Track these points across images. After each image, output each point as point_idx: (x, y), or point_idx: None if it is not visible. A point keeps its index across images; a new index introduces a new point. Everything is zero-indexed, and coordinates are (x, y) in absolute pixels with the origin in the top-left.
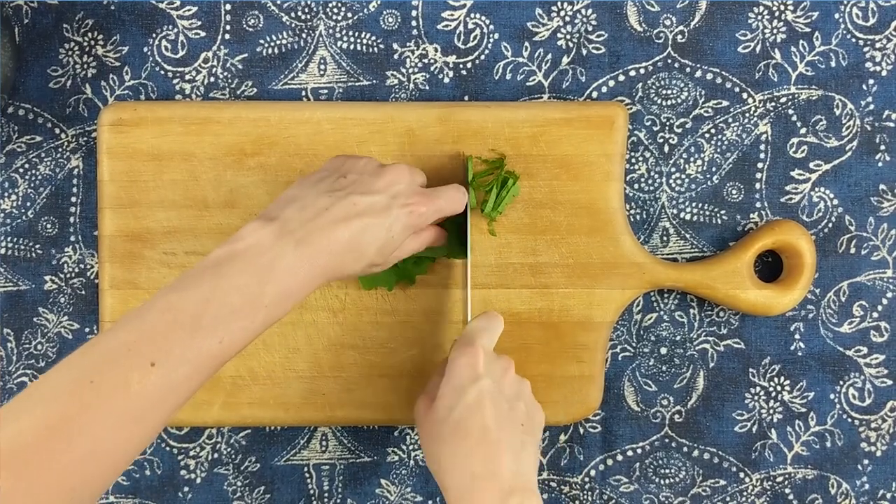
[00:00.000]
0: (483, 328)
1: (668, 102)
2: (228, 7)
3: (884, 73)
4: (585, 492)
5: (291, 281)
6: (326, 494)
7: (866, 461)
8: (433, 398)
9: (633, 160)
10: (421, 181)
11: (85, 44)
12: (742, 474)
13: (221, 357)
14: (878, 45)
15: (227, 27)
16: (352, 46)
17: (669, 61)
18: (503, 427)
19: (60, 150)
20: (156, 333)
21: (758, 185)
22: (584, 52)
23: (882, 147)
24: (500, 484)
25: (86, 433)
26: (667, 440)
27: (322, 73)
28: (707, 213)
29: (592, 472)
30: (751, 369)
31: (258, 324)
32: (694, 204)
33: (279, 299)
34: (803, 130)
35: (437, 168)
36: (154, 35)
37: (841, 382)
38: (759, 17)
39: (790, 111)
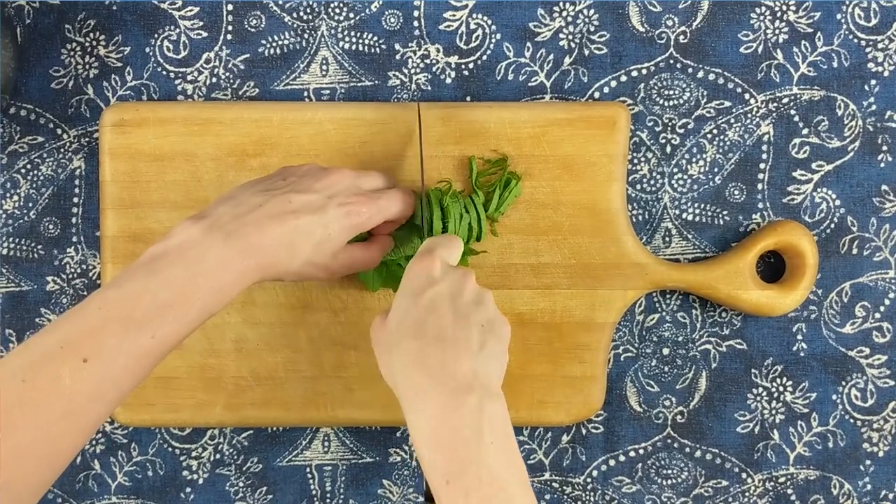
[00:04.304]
0: (441, 242)
1: (671, 103)
2: (230, 7)
3: (886, 73)
4: (588, 492)
5: (224, 275)
6: (329, 495)
7: (868, 462)
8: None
9: (636, 161)
10: (371, 185)
11: (87, 44)
12: (744, 475)
13: (156, 352)
14: (880, 45)
15: (229, 27)
16: (354, 47)
17: (671, 62)
18: (460, 326)
19: (62, 150)
20: (88, 330)
21: (760, 186)
22: (586, 52)
23: (884, 148)
24: (457, 382)
25: (17, 429)
26: (669, 441)
27: (324, 73)
28: (709, 213)
29: (595, 473)
30: (753, 370)
31: (192, 318)
32: (696, 204)
33: (212, 293)
34: (805, 131)
35: (437, 168)
36: (156, 35)
37: (843, 383)
38: (762, 18)
39: (792, 112)
